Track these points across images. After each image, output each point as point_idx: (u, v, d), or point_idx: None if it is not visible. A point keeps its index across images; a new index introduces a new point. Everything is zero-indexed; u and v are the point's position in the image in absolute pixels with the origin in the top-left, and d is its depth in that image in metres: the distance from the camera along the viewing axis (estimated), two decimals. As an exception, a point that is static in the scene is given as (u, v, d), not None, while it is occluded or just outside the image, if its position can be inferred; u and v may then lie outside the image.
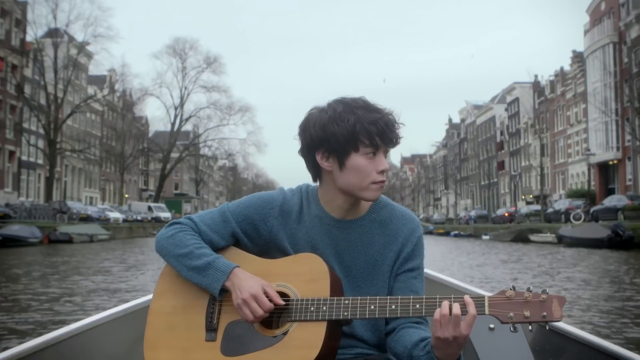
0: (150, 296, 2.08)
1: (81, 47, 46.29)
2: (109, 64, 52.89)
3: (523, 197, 62.79)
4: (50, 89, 42.52)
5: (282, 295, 1.69)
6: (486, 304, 1.54)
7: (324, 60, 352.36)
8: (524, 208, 46.57)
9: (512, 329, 1.54)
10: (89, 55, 57.39)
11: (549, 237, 30.48)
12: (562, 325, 2.28)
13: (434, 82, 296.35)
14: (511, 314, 1.52)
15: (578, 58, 51.78)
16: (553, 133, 56.63)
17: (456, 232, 50.52)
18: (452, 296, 1.58)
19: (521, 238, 33.13)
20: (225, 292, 1.71)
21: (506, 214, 48.24)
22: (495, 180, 73.07)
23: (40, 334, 2.49)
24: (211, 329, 1.71)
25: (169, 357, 1.71)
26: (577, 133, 52.18)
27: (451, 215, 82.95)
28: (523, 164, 64.50)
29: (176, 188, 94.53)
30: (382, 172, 1.71)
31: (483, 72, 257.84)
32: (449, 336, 1.53)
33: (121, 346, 2.48)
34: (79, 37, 45.43)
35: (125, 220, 46.41)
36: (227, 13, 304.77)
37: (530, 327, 1.54)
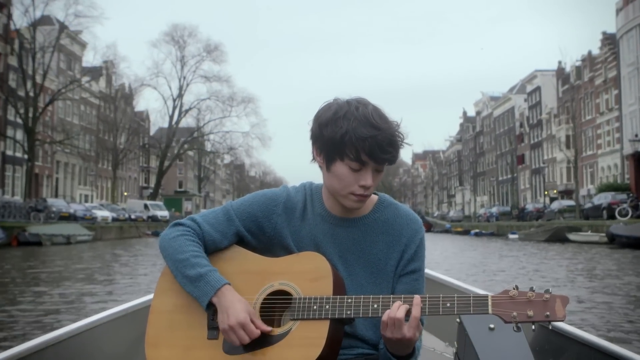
0: (149, 296, 2.22)
1: (62, 27, 42.25)
2: (91, 45, 48.42)
3: (546, 192, 58.42)
4: (36, 76, 38.67)
5: (285, 293, 1.68)
6: (489, 303, 1.53)
7: (338, 60, 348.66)
8: (554, 204, 42.13)
9: (515, 329, 1.51)
10: (82, 44, 53.91)
11: (594, 236, 26.27)
12: (562, 325, 2.25)
13: (449, 79, 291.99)
14: (514, 313, 1.51)
15: (609, 40, 47.34)
16: (580, 123, 52.09)
17: (477, 230, 46.47)
18: (455, 295, 1.56)
19: (558, 237, 28.96)
20: (213, 306, 1.67)
21: (535, 210, 43.85)
22: (515, 175, 68.74)
23: None
24: (213, 327, 1.68)
25: (171, 355, 1.69)
26: (608, 122, 47.74)
27: (467, 212, 78.84)
28: (546, 157, 60.16)
29: (180, 186, 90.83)
30: (363, 186, 1.67)
31: (499, 67, 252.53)
32: (396, 337, 1.56)
33: (121, 346, 2.45)
34: (61, 18, 41.39)
35: (116, 220, 42.53)
36: (243, 12, 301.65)
37: (533, 327, 1.52)
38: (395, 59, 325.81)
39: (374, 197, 1.82)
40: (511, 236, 36.24)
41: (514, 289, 1.54)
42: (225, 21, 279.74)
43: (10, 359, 1.90)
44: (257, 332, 1.62)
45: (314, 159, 1.76)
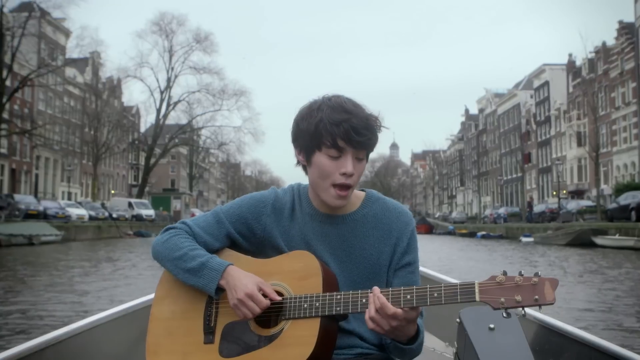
0: (150, 296, 2.23)
1: (43, 14, 39.14)
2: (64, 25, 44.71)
3: (555, 192, 55.18)
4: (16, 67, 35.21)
5: (277, 294, 1.68)
6: (476, 290, 1.51)
7: (338, 61, 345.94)
8: (571, 204, 38.85)
9: (504, 315, 1.49)
10: (66, 33, 50.76)
11: (627, 240, 23.06)
12: (562, 325, 2.25)
13: (450, 80, 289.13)
14: (502, 299, 1.49)
15: (626, 29, 44.18)
16: (592, 119, 48.83)
17: (483, 232, 43.26)
18: (442, 285, 1.55)
19: (581, 241, 25.76)
20: (221, 291, 1.69)
21: (548, 211, 40.57)
22: (520, 174, 65.52)
23: None
24: (209, 331, 1.70)
25: None
26: (625, 117, 44.54)
27: (469, 213, 75.63)
28: (554, 155, 56.95)
29: (172, 184, 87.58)
30: (344, 174, 1.67)
31: (500, 68, 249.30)
32: (387, 329, 1.55)
33: (121, 346, 2.46)
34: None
35: (95, 218, 39.24)
36: (243, 13, 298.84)
37: (523, 312, 1.49)
38: (395, 60, 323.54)
39: (361, 194, 1.81)
40: (524, 239, 33.04)
41: (502, 274, 1.49)
42: (222, 21, 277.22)
43: (10, 359, 1.89)
44: (266, 302, 1.63)
45: (297, 162, 1.76)
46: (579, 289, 11.13)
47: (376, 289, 1.57)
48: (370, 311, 1.54)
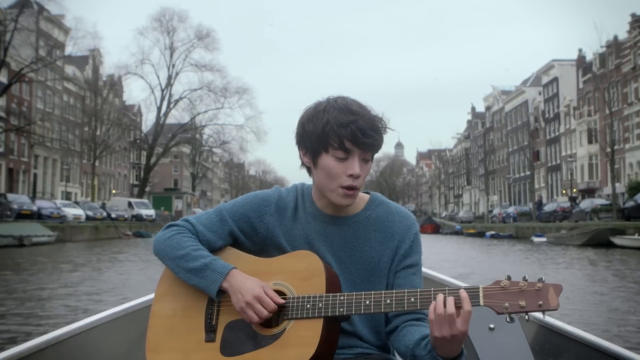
0: (150, 296, 2.20)
1: (41, 9, 38.15)
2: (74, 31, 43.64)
3: (564, 191, 53.86)
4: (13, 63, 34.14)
5: (279, 293, 1.68)
6: (481, 294, 1.51)
7: (341, 62, 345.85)
8: (584, 202, 37.55)
9: (508, 320, 1.50)
10: (65, 30, 49.78)
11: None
12: (562, 325, 2.24)
13: (455, 80, 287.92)
14: (506, 304, 1.49)
15: (639, 23, 42.88)
16: (604, 115, 47.46)
17: (492, 232, 42.02)
18: (447, 288, 1.53)
19: (598, 241, 24.50)
20: (223, 293, 1.68)
21: (560, 210, 39.25)
22: (529, 173, 64.17)
23: None
24: (210, 329, 1.69)
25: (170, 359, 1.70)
26: (638, 113, 43.22)
27: (476, 212, 74.32)
28: (563, 152, 55.62)
29: (175, 184, 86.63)
30: (351, 176, 1.66)
31: (506, 67, 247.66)
32: (446, 335, 1.49)
33: (121, 346, 2.43)
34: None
35: (92, 218, 38.14)
36: (250, 14, 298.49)
37: (527, 318, 1.50)
38: (399, 59, 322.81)
39: (366, 196, 1.81)
40: (536, 239, 31.80)
41: (506, 279, 1.49)
42: (226, 22, 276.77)
43: (10, 359, 1.88)
44: (274, 305, 1.61)
45: (302, 164, 1.75)
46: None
47: (440, 294, 1.50)
48: (439, 308, 1.47)
